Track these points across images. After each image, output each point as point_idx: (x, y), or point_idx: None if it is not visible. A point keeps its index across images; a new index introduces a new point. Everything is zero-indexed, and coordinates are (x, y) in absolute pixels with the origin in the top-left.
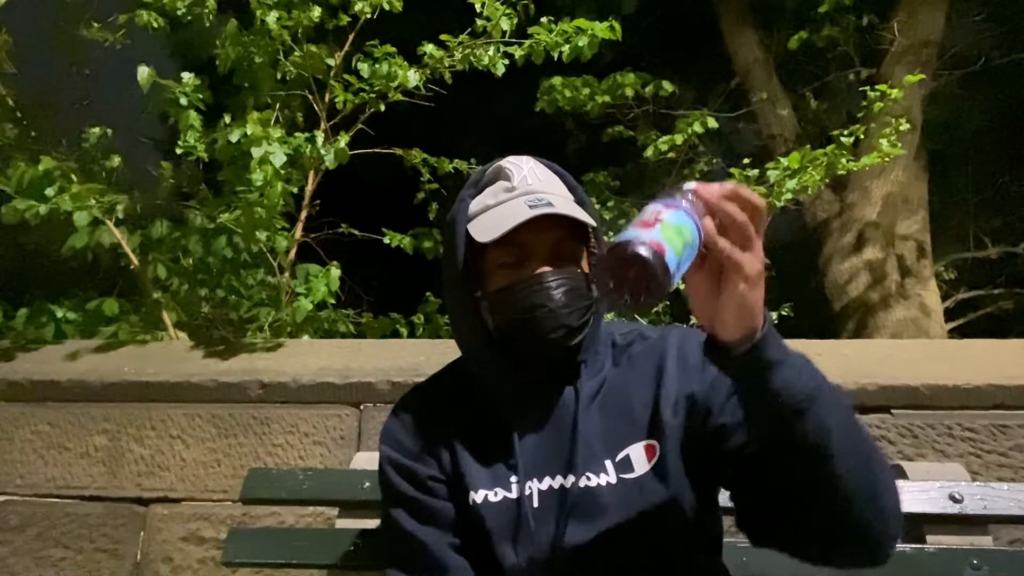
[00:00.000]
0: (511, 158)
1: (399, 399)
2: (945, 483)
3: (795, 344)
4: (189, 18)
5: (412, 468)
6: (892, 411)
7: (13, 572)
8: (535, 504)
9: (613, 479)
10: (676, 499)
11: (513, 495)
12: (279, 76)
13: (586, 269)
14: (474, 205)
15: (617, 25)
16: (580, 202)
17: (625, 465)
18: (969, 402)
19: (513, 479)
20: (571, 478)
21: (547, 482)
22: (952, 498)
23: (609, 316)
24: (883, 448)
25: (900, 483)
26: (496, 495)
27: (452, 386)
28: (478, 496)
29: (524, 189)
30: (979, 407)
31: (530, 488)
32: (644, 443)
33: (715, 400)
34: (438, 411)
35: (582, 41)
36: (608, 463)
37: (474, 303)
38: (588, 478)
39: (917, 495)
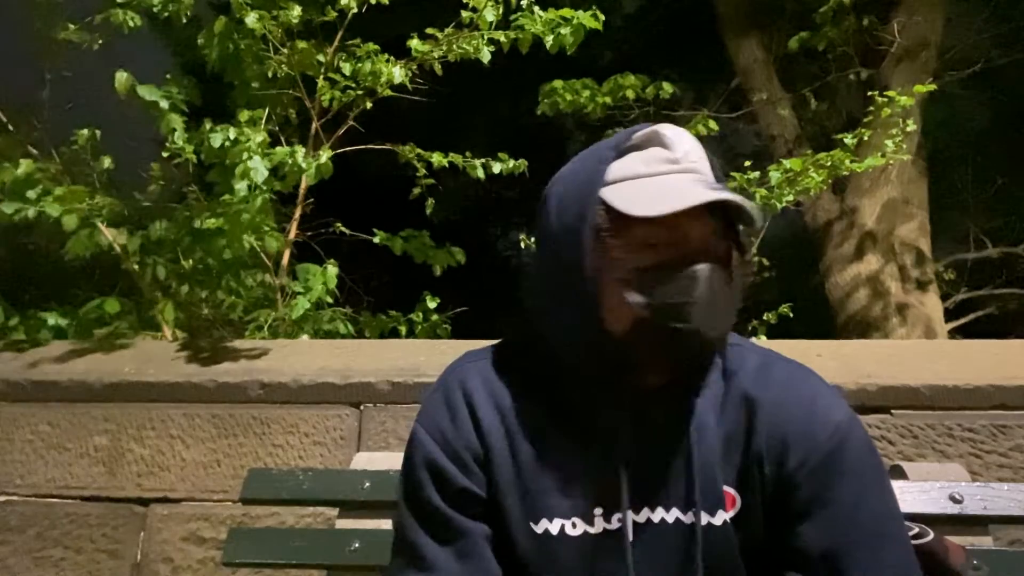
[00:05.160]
0: (667, 126)
1: (449, 373)
2: (945, 483)
3: (795, 344)
4: (166, 14)
5: (448, 473)
6: (892, 411)
7: (13, 572)
8: (630, 539)
9: (716, 519)
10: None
11: (595, 529)
12: (270, 74)
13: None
14: (619, 169)
15: (600, 15)
16: None
17: (718, 503)
18: (969, 402)
19: (598, 510)
20: (675, 512)
21: (645, 514)
22: (952, 498)
23: None
24: (883, 448)
25: (900, 483)
26: (575, 527)
27: (519, 376)
28: (551, 526)
29: (689, 166)
30: (979, 407)
31: (619, 520)
32: (724, 487)
33: (796, 495)
34: (500, 402)
35: (565, 31)
36: (714, 498)
37: (594, 283)
38: (712, 514)
39: (917, 495)
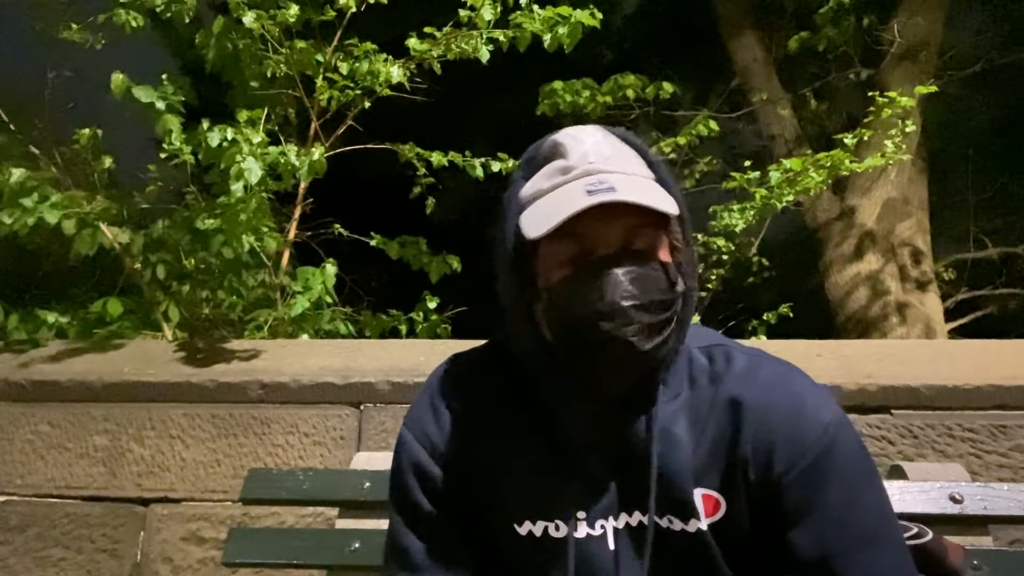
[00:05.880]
0: (570, 129)
1: (434, 375)
2: (945, 483)
3: (795, 344)
4: (168, 15)
5: (433, 476)
6: (892, 411)
7: (13, 572)
8: (611, 545)
9: (689, 526)
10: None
11: (579, 533)
12: (268, 74)
13: (667, 261)
14: (527, 189)
15: (598, 13)
16: (662, 181)
17: (689, 510)
18: (969, 402)
19: (581, 514)
20: (648, 516)
21: (623, 519)
22: (952, 498)
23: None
24: (883, 448)
25: (900, 483)
26: (558, 530)
27: (502, 379)
28: (535, 528)
29: (584, 169)
30: (979, 407)
31: (603, 526)
32: (705, 491)
33: (786, 499)
34: (484, 405)
35: (562, 29)
36: (684, 505)
37: (528, 309)
38: (671, 520)
39: (917, 495)
